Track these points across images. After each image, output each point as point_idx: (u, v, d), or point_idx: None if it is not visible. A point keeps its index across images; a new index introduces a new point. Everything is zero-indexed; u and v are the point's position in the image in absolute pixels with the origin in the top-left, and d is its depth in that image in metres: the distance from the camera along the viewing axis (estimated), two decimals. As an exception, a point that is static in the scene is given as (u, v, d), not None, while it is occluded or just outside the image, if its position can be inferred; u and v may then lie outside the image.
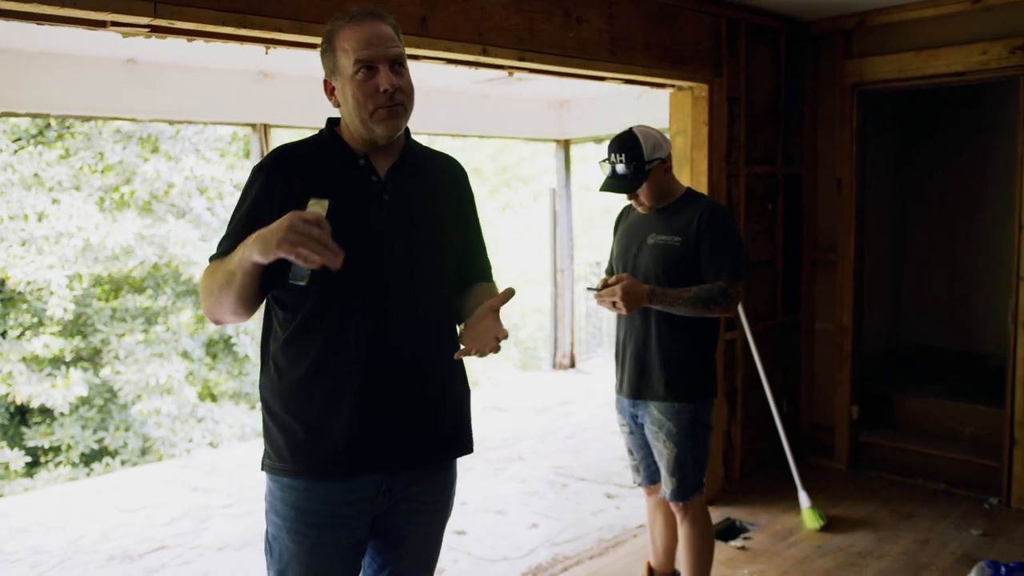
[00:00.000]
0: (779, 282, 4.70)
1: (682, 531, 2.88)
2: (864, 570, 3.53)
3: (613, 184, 2.74)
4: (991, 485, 4.28)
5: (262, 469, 1.79)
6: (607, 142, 2.77)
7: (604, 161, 2.75)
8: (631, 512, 4.25)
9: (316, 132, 1.83)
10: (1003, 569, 3.25)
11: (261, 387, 1.77)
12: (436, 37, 2.99)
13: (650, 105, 6.43)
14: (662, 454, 2.77)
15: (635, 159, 2.67)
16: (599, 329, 8.72)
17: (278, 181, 1.68)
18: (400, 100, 1.68)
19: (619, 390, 2.90)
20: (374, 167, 1.74)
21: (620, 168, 2.70)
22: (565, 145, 7.87)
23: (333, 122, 1.80)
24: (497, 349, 1.69)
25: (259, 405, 1.81)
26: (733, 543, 3.81)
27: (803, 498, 4.06)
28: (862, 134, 4.64)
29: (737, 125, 4.32)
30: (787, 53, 4.58)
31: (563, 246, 7.89)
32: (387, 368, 1.70)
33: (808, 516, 3.99)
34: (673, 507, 2.86)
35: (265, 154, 5.41)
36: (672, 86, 4.13)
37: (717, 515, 4.06)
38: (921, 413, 4.90)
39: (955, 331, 5.78)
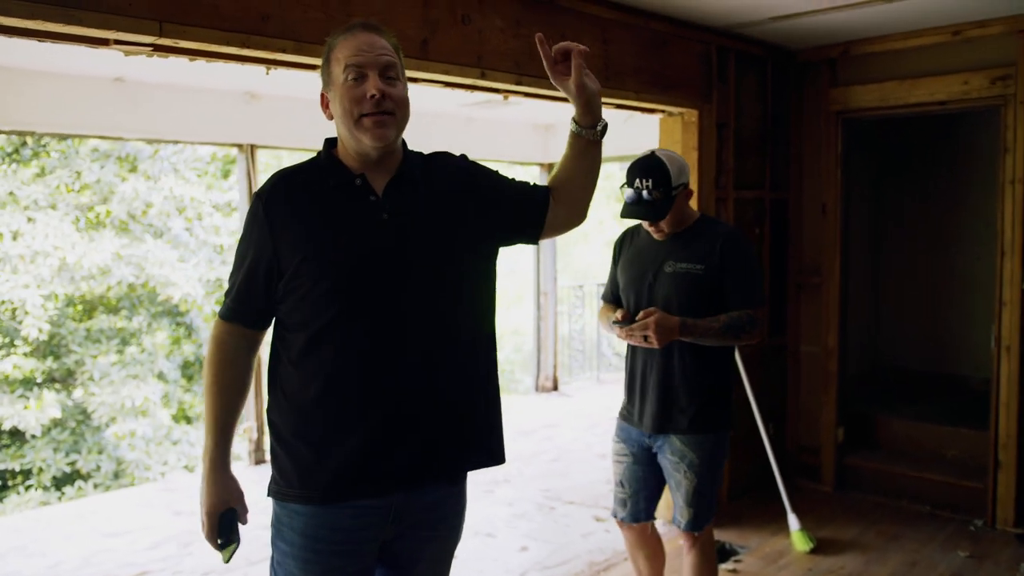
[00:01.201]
0: (766, 305, 4.75)
1: (690, 560, 2.80)
2: (855, 592, 3.56)
3: (639, 211, 2.61)
4: (975, 507, 4.33)
5: (268, 495, 1.76)
6: (628, 164, 2.70)
7: (626, 186, 2.64)
8: (621, 536, 4.23)
9: (313, 154, 1.79)
10: (993, 590, 3.28)
11: (269, 410, 1.75)
12: (436, 60, 3.02)
13: (636, 130, 6.49)
14: (680, 484, 2.69)
15: (663, 184, 2.57)
16: (581, 352, 8.74)
17: (275, 216, 1.66)
18: (388, 108, 1.64)
19: (634, 422, 2.77)
20: (371, 186, 1.70)
21: (647, 194, 2.58)
22: (550, 169, 7.92)
23: (331, 143, 1.77)
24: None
25: (266, 429, 1.80)
26: (724, 566, 3.81)
27: (792, 520, 4.08)
28: (846, 160, 4.73)
29: (726, 150, 4.38)
30: (774, 81, 4.67)
31: (546, 268, 7.91)
32: (396, 390, 1.66)
33: (798, 538, 4.01)
34: (684, 537, 2.79)
35: (253, 174, 5.44)
36: (663, 111, 4.19)
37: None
38: (904, 435, 4.96)
39: (933, 354, 5.87)
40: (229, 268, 1.79)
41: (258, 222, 1.67)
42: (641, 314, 2.56)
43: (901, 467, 4.70)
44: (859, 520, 4.37)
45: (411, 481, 1.70)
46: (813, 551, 3.95)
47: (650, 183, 2.57)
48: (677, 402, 2.66)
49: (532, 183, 1.92)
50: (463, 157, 1.88)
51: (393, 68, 1.67)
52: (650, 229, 2.71)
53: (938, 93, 4.31)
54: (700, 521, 2.73)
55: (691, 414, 2.65)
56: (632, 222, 2.79)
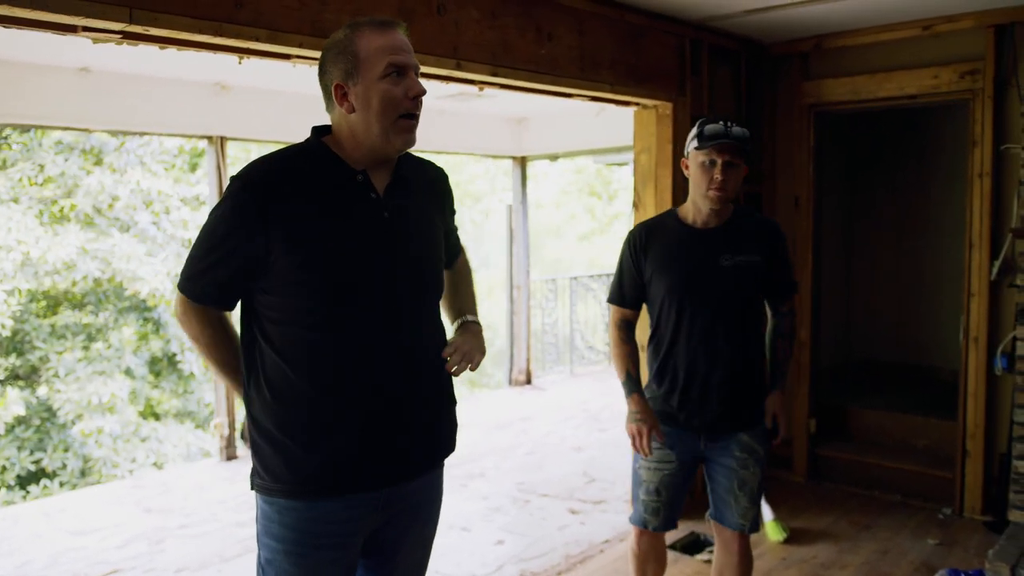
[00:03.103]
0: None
1: (743, 564, 2.69)
2: (828, 581, 3.59)
3: (727, 143, 2.45)
4: (945, 496, 4.40)
5: (253, 489, 1.73)
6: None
7: (709, 124, 2.48)
8: (596, 527, 4.25)
9: (282, 146, 1.74)
10: (963, 577, 3.34)
11: (249, 405, 1.71)
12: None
13: (608, 123, 6.52)
14: (746, 483, 2.59)
15: (749, 136, 2.50)
16: (554, 345, 8.75)
17: (269, 206, 1.60)
18: (418, 112, 1.68)
19: (692, 425, 2.61)
20: (372, 183, 1.70)
21: (737, 130, 2.47)
22: (522, 162, 7.91)
23: (320, 131, 1.74)
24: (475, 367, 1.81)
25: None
26: (699, 556, 3.83)
27: (766, 511, 4.11)
28: (818, 154, 4.76)
29: (700, 143, 4.39)
30: (747, 74, 4.69)
31: (519, 262, 7.90)
32: (389, 384, 1.68)
33: (771, 529, 4.04)
34: (737, 541, 2.67)
35: (222, 167, 5.36)
36: (637, 104, 4.19)
37: (682, 529, 4.08)
38: (875, 426, 5.02)
39: (903, 345, 5.96)
40: None
41: (246, 211, 1.61)
42: (780, 429, 2.64)
43: (872, 457, 4.76)
44: (832, 509, 4.41)
45: (404, 472, 1.74)
46: (786, 541, 3.99)
47: (733, 124, 2.48)
48: (742, 398, 2.59)
49: (457, 233, 2.02)
50: (444, 172, 1.93)
51: (418, 70, 1.70)
52: (711, 193, 2.49)
53: (908, 87, 4.35)
54: (758, 522, 2.68)
55: (753, 407, 2.62)
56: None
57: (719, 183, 2.48)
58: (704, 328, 2.55)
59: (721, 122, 2.48)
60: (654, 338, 2.68)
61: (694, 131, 2.54)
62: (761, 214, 2.74)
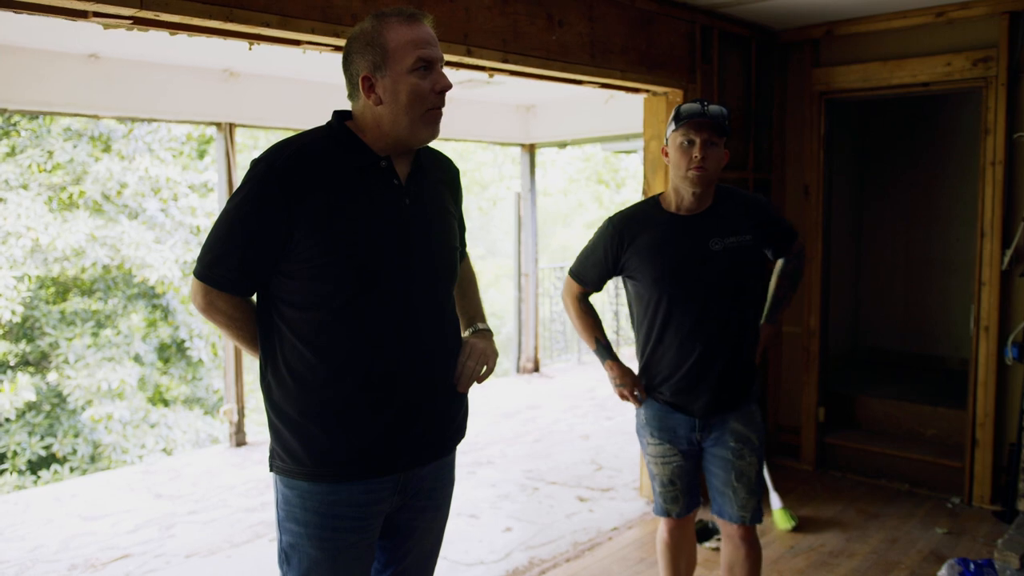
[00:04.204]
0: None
1: (747, 564, 2.64)
2: (836, 569, 3.59)
3: (702, 121, 2.40)
4: (953, 485, 4.39)
5: (271, 470, 1.74)
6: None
7: (684, 105, 2.47)
8: (605, 515, 4.26)
9: (319, 127, 1.75)
10: (972, 566, 3.33)
11: (268, 390, 1.72)
12: (422, 36, 2.97)
13: (617, 110, 6.50)
14: (743, 473, 2.57)
15: (727, 113, 2.45)
16: (562, 333, 8.75)
17: (294, 191, 1.60)
18: (443, 105, 1.70)
19: (690, 410, 2.57)
20: (395, 170, 1.72)
21: (713, 108, 2.42)
22: (530, 149, 7.89)
23: (342, 116, 1.74)
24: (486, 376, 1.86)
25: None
26: (708, 544, 3.84)
27: (774, 499, 4.12)
28: (829, 141, 4.74)
29: (710, 131, 4.36)
30: (758, 61, 4.66)
31: (528, 250, 7.90)
32: (410, 368, 1.71)
33: (780, 517, 4.05)
34: (741, 535, 2.62)
35: (231, 153, 5.36)
36: (647, 91, 4.17)
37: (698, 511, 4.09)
38: (883, 415, 5.01)
39: (912, 334, 5.94)
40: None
41: (270, 194, 1.61)
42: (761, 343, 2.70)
43: (881, 446, 4.75)
44: (840, 498, 4.41)
45: (422, 456, 1.76)
46: (795, 529, 3.99)
47: (709, 104, 2.44)
48: (733, 383, 2.56)
49: (464, 235, 2.00)
50: (457, 167, 1.96)
51: (443, 62, 1.73)
52: (691, 173, 2.43)
53: (921, 74, 4.32)
54: (760, 509, 2.64)
55: (745, 389, 2.59)
56: (618, 209, 2.69)
57: (698, 162, 2.41)
58: (695, 318, 2.49)
59: (698, 102, 2.45)
60: (642, 329, 2.62)
61: (671, 115, 2.51)
62: (745, 191, 2.67)
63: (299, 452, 1.68)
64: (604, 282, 2.70)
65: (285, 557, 1.75)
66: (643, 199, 2.76)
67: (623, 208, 2.70)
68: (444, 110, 1.72)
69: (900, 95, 4.58)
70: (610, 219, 2.66)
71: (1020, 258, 4.07)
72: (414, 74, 1.64)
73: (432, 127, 1.70)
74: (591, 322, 2.72)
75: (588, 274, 2.68)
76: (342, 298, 1.64)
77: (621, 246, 2.58)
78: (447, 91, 1.68)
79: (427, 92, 1.65)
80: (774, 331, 2.80)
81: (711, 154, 2.42)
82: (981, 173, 4.17)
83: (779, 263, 2.78)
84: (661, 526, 2.79)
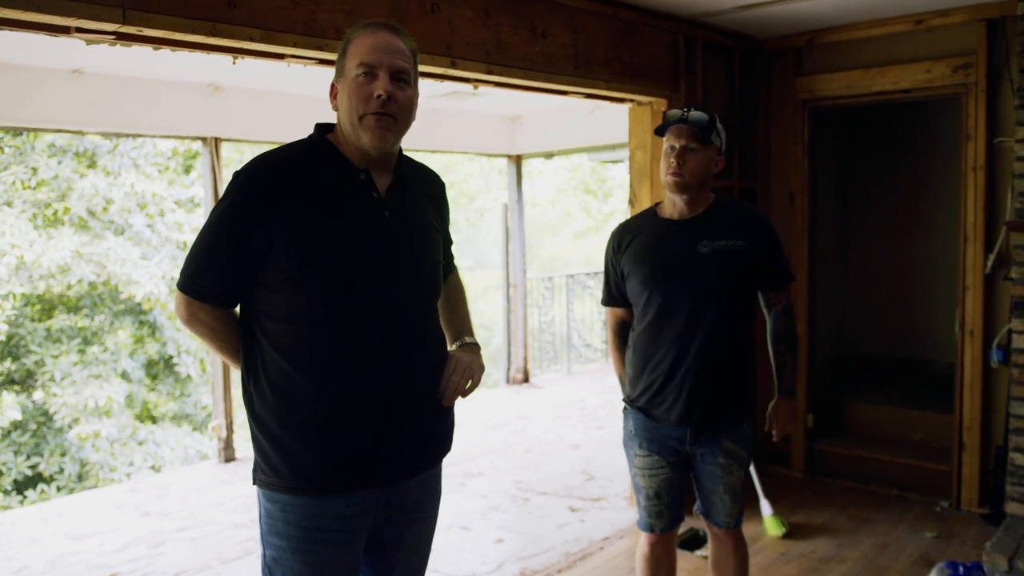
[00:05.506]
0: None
1: (733, 559, 2.71)
2: (827, 575, 3.60)
3: (681, 127, 2.44)
4: (941, 489, 4.41)
5: (255, 483, 1.73)
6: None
7: (668, 111, 2.52)
8: (596, 525, 4.25)
9: (301, 140, 1.76)
10: (961, 569, 3.35)
11: (250, 402, 1.71)
12: (406, 49, 2.98)
13: (603, 121, 6.52)
14: (730, 486, 2.59)
15: (710, 120, 2.46)
16: (551, 344, 8.75)
17: (272, 203, 1.61)
18: (392, 111, 1.66)
19: (671, 422, 2.55)
20: (374, 182, 1.72)
21: (695, 114, 2.44)
22: (517, 160, 7.90)
23: (324, 128, 1.76)
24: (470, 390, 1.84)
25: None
26: (698, 552, 3.84)
27: (765, 506, 4.12)
28: (813, 149, 4.77)
29: (694, 140, 4.39)
30: (741, 70, 4.70)
31: (516, 260, 7.91)
32: (391, 381, 1.69)
33: (770, 524, 4.05)
34: (727, 536, 2.69)
35: (217, 168, 5.34)
36: (632, 101, 4.19)
37: (682, 525, 4.09)
38: (871, 420, 5.03)
39: (897, 339, 5.97)
40: None
41: (249, 205, 1.62)
42: (775, 433, 2.62)
43: (869, 451, 4.77)
44: (830, 504, 4.43)
45: (403, 470, 1.75)
46: (785, 536, 4.00)
47: (693, 109, 2.47)
48: (725, 396, 2.53)
49: (451, 249, 2.02)
50: (443, 181, 1.96)
51: (405, 73, 1.69)
52: (668, 178, 2.47)
53: (902, 81, 4.36)
54: (742, 516, 2.70)
55: (737, 406, 2.57)
56: (610, 228, 2.72)
57: (675, 167, 2.45)
58: (684, 321, 2.48)
59: (681, 108, 2.50)
60: (633, 333, 2.64)
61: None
62: (748, 203, 2.69)
63: (280, 465, 1.66)
64: (625, 296, 2.68)
65: (269, 572, 1.73)
66: (643, 210, 2.80)
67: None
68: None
69: (882, 102, 4.62)
70: (612, 232, 2.74)
71: (1003, 262, 4.11)
72: (357, 79, 1.65)
73: (372, 133, 1.65)
74: (624, 357, 2.72)
75: (612, 294, 2.71)
76: (321, 310, 1.63)
77: (619, 252, 2.64)
78: (388, 98, 1.64)
79: (366, 98, 1.64)
80: (792, 407, 2.62)
81: (689, 160, 2.46)
82: (963, 178, 4.21)
83: (768, 325, 2.65)
84: (642, 540, 2.77)
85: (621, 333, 2.73)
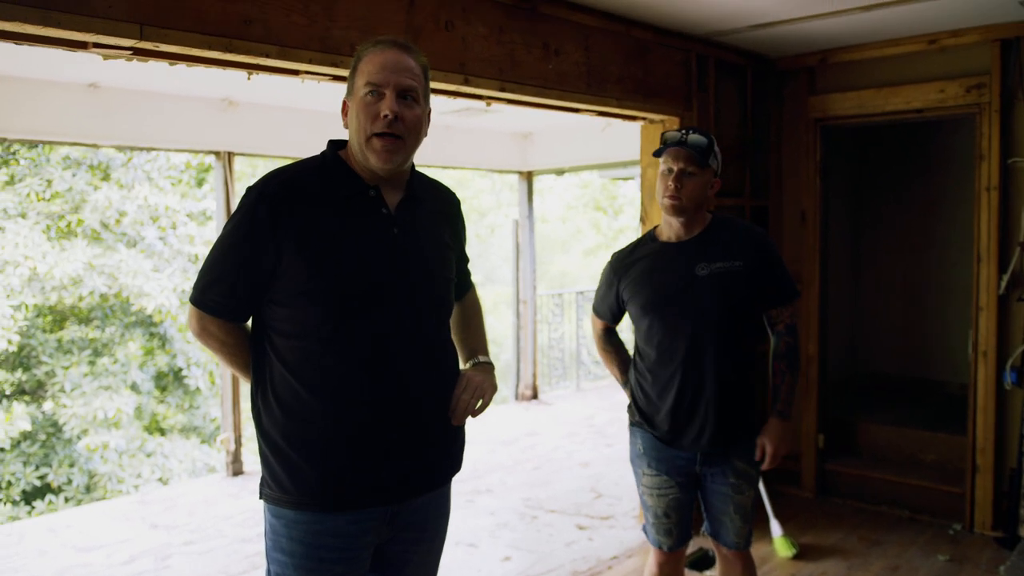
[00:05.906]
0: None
1: (746, 571, 2.69)
2: (839, 598, 3.56)
3: (679, 149, 2.44)
4: (954, 511, 4.36)
5: (261, 498, 1.73)
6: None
7: (667, 133, 2.51)
8: (604, 543, 4.22)
9: (313, 156, 1.78)
10: (975, 594, 3.30)
11: (258, 417, 1.72)
12: (420, 66, 2.99)
13: (614, 138, 6.53)
14: (740, 506, 2.58)
15: (709, 143, 2.46)
16: (560, 360, 8.73)
17: (282, 219, 1.62)
18: (399, 131, 1.65)
19: (681, 447, 2.55)
20: (384, 199, 1.72)
21: (694, 137, 2.44)
22: (528, 177, 7.92)
23: (337, 145, 1.77)
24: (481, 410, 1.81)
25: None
26: (707, 573, 3.81)
27: (775, 527, 4.08)
28: (825, 168, 4.76)
29: (706, 158, 4.39)
30: (753, 89, 4.70)
31: (526, 276, 7.90)
32: (398, 399, 1.69)
33: (780, 544, 4.02)
34: (736, 556, 2.66)
35: (230, 182, 5.37)
36: (644, 119, 4.20)
37: (691, 545, 4.06)
38: (883, 441, 4.99)
39: (910, 359, 5.94)
40: None
41: (259, 220, 1.63)
42: (766, 461, 2.53)
43: (881, 472, 4.73)
44: (840, 525, 4.38)
45: (410, 490, 1.74)
46: (796, 557, 3.96)
47: (696, 133, 2.47)
48: (733, 417, 2.52)
49: (467, 267, 2.03)
50: (457, 198, 1.95)
51: (413, 91, 1.68)
52: (665, 201, 2.47)
53: (915, 101, 4.36)
54: (751, 536, 2.68)
55: (746, 426, 2.56)
56: (620, 245, 2.72)
57: (672, 190, 2.45)
58: (686, 345, 2.48)
59: (681, 131, 2.49)
60: (635, 358, 2.65)
61: None
62: (745, 221, 2.67)
63: (285, 481, 1.66)
64: (617, 317, 2.73)
65: None
66: (642, 235, 2.79)
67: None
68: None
69: (895, 121, 4.62)
70: (612, 254, 2.75)
71: (1017, 283, 4.08)
72: (364, 98, 1.66)
73: (379, 156, 1.65)
74: (615, 359, 2.78)
75: (601, 308, 2.76)
76: (329, 326, 1.63)
77: (619, 279, 2.64)
78: (394, 118, 1.63)
79: (374, 117, 1.65)
80: (785, 428, 2.56)
81: (687, 183, 2.46)
82: (976, 199, 4.19)
83: (772, 344, 2.61)
84: (651, 559, 2.76)
85: (608, 336, 2.80)
